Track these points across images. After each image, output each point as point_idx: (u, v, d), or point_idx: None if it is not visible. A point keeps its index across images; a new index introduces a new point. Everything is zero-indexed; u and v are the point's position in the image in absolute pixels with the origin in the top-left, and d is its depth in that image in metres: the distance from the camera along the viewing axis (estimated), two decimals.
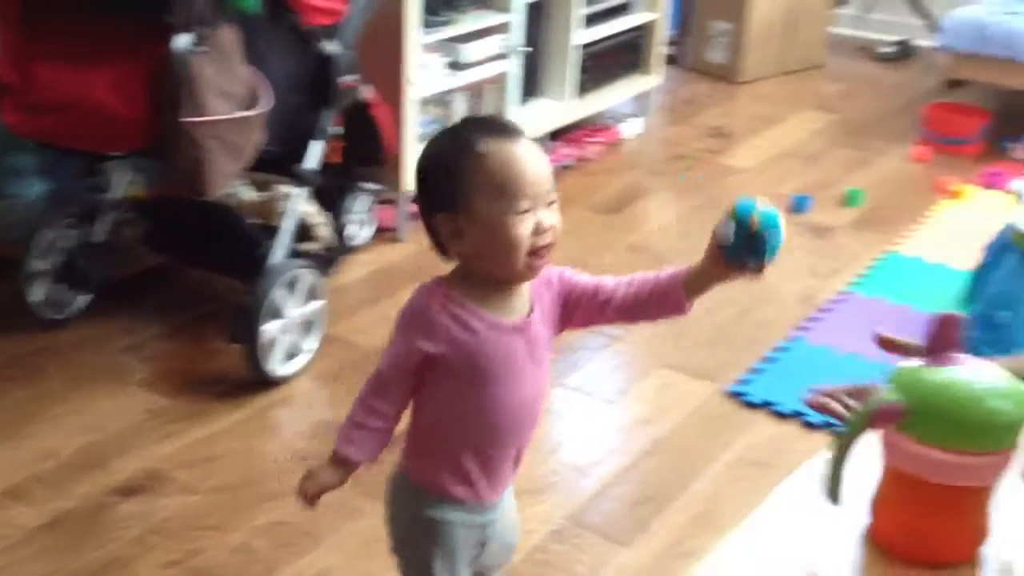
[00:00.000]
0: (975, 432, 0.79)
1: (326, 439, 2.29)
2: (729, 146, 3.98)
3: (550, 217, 1.22)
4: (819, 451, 2.23)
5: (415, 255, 3.13)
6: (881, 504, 0.85)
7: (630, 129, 4.04)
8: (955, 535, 0.83)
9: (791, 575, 0.87)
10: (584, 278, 1.33)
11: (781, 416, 2.40)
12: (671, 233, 3.33)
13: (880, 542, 0.84)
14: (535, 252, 1.21)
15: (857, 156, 3.85)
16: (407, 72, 3.01)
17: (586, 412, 2.44)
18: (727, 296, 2.93)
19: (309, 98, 2.64)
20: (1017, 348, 2.37)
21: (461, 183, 1.20)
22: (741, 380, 2.51)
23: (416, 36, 3.00)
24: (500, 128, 1.23)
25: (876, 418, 0.82)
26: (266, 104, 2.40)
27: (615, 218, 3.41)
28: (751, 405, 2.43)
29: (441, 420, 1.31)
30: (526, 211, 1.20)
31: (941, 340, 0.84)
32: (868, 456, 0.83)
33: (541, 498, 2.14)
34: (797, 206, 3.42)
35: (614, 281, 1.32)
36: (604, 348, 2.69)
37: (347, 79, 2.69)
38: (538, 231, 1.20)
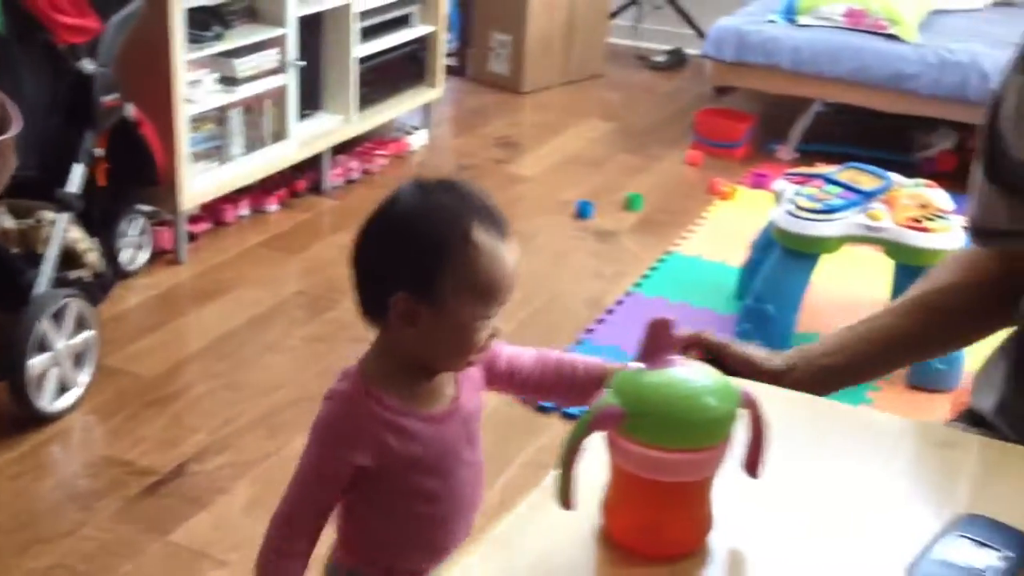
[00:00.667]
0: (689, 429, 0.83)
1: (104, 476, 2.19)
2: (515, 155, 4.05)
3: (499, 320, 1.13)
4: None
5: (197, 277, 3.04)
6: (611, 504, 0.88)
7: (416, 141, 4.05)
8: (683, 528, 0.87)
9: None
10: (504, 349, 1.22)
11: (572, 418, 2.44)
12: None
13: (614, 541, 0.87)
14: (479, 351, 1.12)
15: (636, 162, 4.00)
16: (178, 89, 2.91)
17: None
18: (516, 301, 2.98)
19: (69, 119, 2.52)
20: (784, 339, 2.52)
21: (442, 269, 1.06)
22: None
23: (184, 52, 2.90)
24: (497, 221, 1.10)
25: (596, 423, 0.84)
26: (17, 128, 2.26)
27: None
28: (542, 409, 2.47)
29: (381, 524, 1.17)
30: (493, 316, 1.11)
31: (655, 344, 0.87)
32: (598, 458, 0.86)
33: None
34: (581, 212, 3.51)
35: (532, 358, 1.23)
36: None
37: (109, 98, 2.58)
38: (491, 334, 1.12)
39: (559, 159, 4.01)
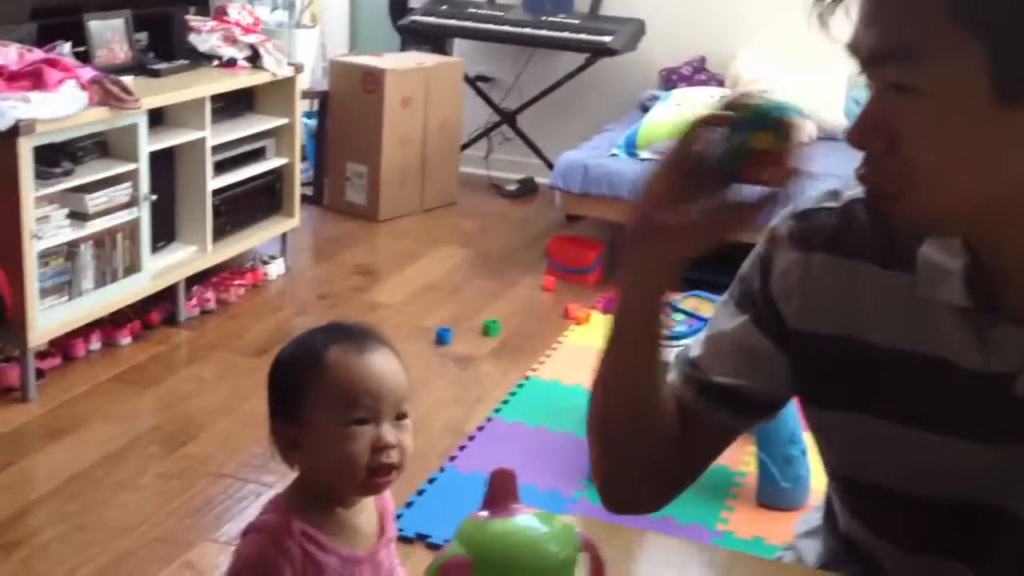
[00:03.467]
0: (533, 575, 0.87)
1: None
2: (374, 283, 4.10)
3: (393, 434, 1.11)
4: None
5: (46, 414, 2.95)
6: None
7: (274, 270, 4.06)
8: None
9: None
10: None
11: (435, 548, 2.45)
12: None
13: None
14: (374, 470, 1.10)
15: (493, 287, 4.10)
16: (26, 225, 2.87)
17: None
18: None
19: None
20: None
21: (299, 390, 1.11)
22: (397, 512, 2.54)
23: (32, 188, 2.87)
24: (356, 335, 1.14)
25: (444, 573, 0.87)
26: None
27: (263, 361, 3.38)
28: (406, 539, 2.47)
29: None
30: (362, 421, 1.10)
31: (499, 493, 0.92)
32: None
33: None
34: (440, 338, 3.57)
35: None
36: (258, 495, 2.64)
37: None
38: (377, 447, 1.09)
39: (417, 286, 4.09)
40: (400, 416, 1.13)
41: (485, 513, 0.90)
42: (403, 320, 3.77)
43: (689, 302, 2.86)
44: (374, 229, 4.69)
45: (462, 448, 2.90)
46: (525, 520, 0.89)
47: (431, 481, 2.72)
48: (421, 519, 2.53)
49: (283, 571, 1.09)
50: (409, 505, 2.60)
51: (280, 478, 2.72)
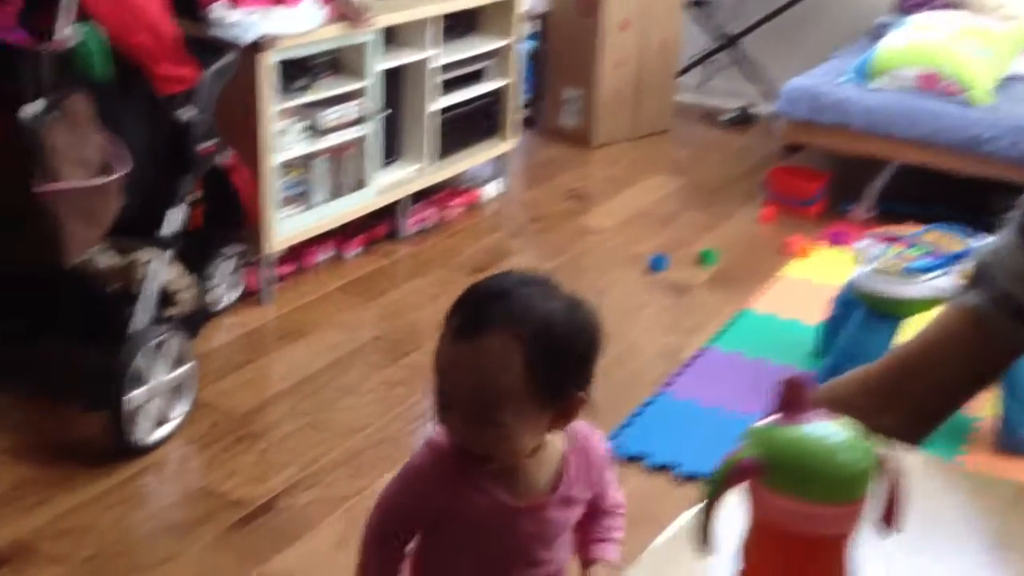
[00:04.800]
0: (828, 484, 0.85)
1: (198, 507, 2.25)
2: (586, 208, 4.11)
3: (464, 430, 1.08)
4: (690, 503, 2.32)
5: (281, 318, 3.11)
6: (749, 553, 0.90)
7: (490, 191, 4.13)
8: None
9: None
10: (608, 481, 1.22)
11: (651, 469, 2.47)
12: None
13: None
14: (473, 457, 1.10)
15: (707, 218, 4.04)
16: (267, 137, 3.01)
17: None
18: None
19: (168, 164, 2.62)
20: None
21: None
22: (610, 436, 2.58)
23: (274, 102, 3.01)
24: (462, 314, 1.09)
25: (736, 473, 0.87)
26: (124, 169, 2.37)
27: (478, 278, 3.46)
28: (622, 459, 2.49)
29: None
30: (450, 411, 1.08)
31: (791, 399, 0.90)
32: (737, 506, 0.89)
33: None
34: (655, 265, 3.55)
35: (609, 499, 1.23)
36: None
37: (205, 145, 2.67)
38: (465, 441, 1.09)
39: (630, 213, 4.07)
40: (483, 418, 1.06)
41: (776, 418, 0.89)
42: (615, 246, 3.77)
43: (930, 236, 2.72)
44: (587, 154, 4.69)
45: (677, 375, 2.89)
46: (821, 427, 0.88)
47: (646, 405, 2.73)
48: (635, 441, 2.55)
49: (434, 488, 1.13)
50: (624, 427, 2.62)
51: None
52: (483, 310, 1.07)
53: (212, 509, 2.24)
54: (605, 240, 3.82)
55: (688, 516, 1.04)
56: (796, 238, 3.75)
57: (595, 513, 1.23)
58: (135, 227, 2.54)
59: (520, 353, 1.04)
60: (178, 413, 2.49)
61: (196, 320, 2.76)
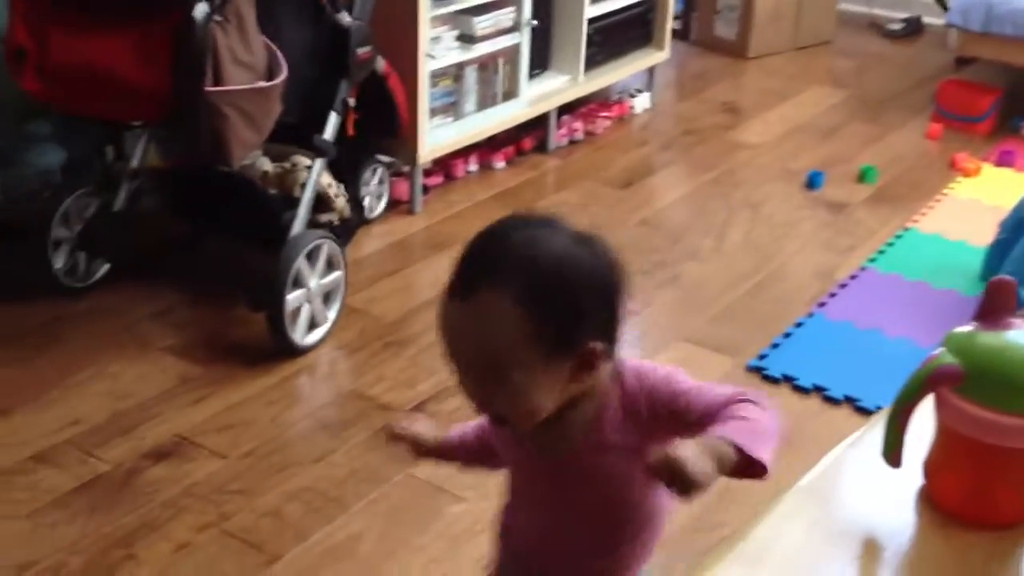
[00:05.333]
0: None
1: (348, 408, 2.31)
2: (740, 121, 3.98)
3: (478, 392, 1.01)
4: (840, 425, 2.25)
5: (428, 228, 3.14)
6: (937, 466, 0.86)
7: (639, 104, 4.04)
8: (1011, 497, 0.84)
9: (847, 538, 0.88)
10: (679, 390, 1.04)
11: (802, 391, 2.41)
12: (683, 209, 3.34)
13: (938, 504, 0.85)
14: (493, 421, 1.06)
15: (870, 132, 3.86)
16: (421, 45, 3.00)
17: None
18: (744, 270, 2.95)
19: (326, 69, 2.64)
20: None
21: None
22: (761, 355, 2.52)
23: (428, 8, 2.99)
24: (461, 271, 1.01)
25: (932, 380, 0.82)
26: (283, 75, 2.40)
27: (626, 193, 3.42)
28: (771, 380, 2.44)
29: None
30: (460, 374, 1.02)
31: (995, 304, 0.84)
32: (921, 418, 0.84)
33: None
34: (811, 182, 3.43)
35: (703, 404, 1.03)
36: None
37: (363, 51, 2.68)
38: (480, 405, 1.03)
39: (787, 127, 3.92)
40: (489, 379, 0.98)
41: (975, 325, 0.84)
42: (770, 161, 3.64)
43: None
44: (742, 66, 4.52)
45: (832, 295, 2.80)
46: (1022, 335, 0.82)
47: (798, 325, 2.65)
48: (787, 361, 2.49)
49: (486, 430, 1.16)
50: (775, 347, 2.56)
51: (643, 306, 2.77)
52: (473, 266, 0.99)
53: (363, 411, 2.30)
54: (759, 155, 3.70)
55: (850, 441, 1.01)
56: (964, 155, 3.55)
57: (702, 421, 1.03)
58: (291, 133, 2.58)
59: (516, 309, 0.95)
60: (329, 318, 2.55)
61: (348, 227, 2.81)
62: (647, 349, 2.59)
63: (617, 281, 1.01)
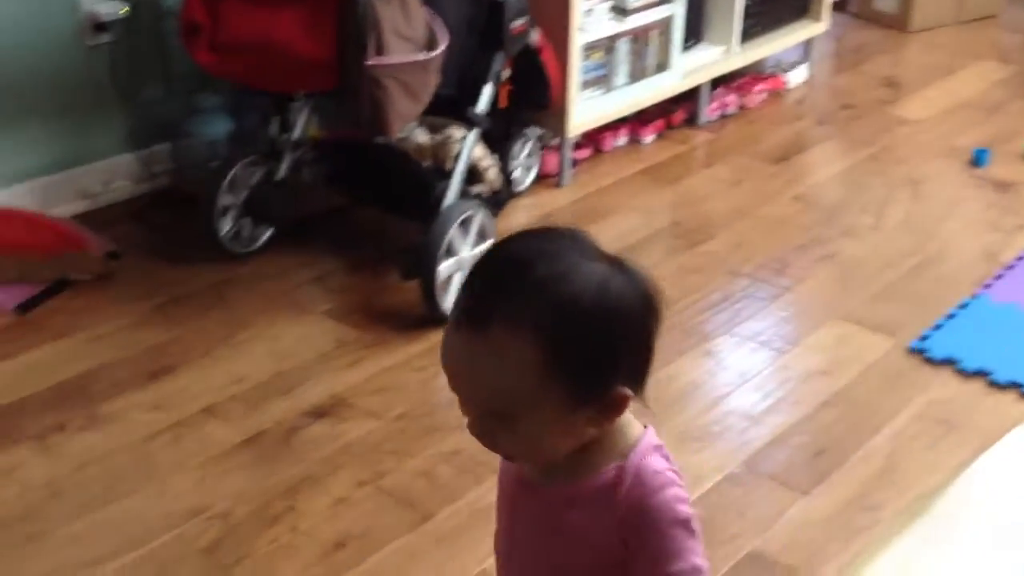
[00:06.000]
0: None
1: None
2: (901, 96, 3.84)
3: (479, 426, 0.92)
4: (1006, 411, 2.16)
5: (576, 202, 3.14)
6: None
7: (795, 77, 3.94)
8: None
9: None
10: (648, 550, 0.92)
11: (965, 374, 2.32)
12: (839, 185, 3.24)
13: None
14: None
15: None
16: (574, 17, 2.99)
17: (757, 361, 2.41)
18: (904, 249, 2.86)
19: (482, 42, 2.66)
20: None
21: None
22: (922, 336, 2.43)
23: None
24: (464, 300, 0.91)
25: None
26: (442, 47, 2.43)
27: (779, 168, 3.34)
28: (933, 361, 2.36)
29: None
30: (462, 403, 0.93)
31: None
32: None
33: (709, 444, 2.13)
34: (977, 159, 3.28)
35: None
36: (775, 298, 2.65)
37: (518, 23, 2.70)
38: (482, 439, 0.94)
39: (950, 103, 3.76)
40: (500, 420, 0.89)
41: None
42: (932, 138, 3.50)
43: None
44: (903, 39, 4.36)
45: (998, 276, 2.68)
46: None
47: (962, 307, 2.55)
48: (950, 343, 2.40)
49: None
50: (938, 328, 2.47)
51: (797, 282, 2.71)
52: (489, 292, 0.87)
53: None
54: (921, 131, 3.56)
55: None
56: None
57: None
58: (447, 105, 2.62)
59: (536, 350, 0.85)
60: None
61: (499, 199, 2.84)
62: (803, 327, 2.54)
63: (652, 317, 0.90)
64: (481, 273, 0.90)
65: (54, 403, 2.16)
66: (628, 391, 0.90)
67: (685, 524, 0.92)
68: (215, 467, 2.02)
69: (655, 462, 0.92)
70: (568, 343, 0.85)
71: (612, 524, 0.92)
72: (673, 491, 0.92)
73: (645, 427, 0.98)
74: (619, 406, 0.90)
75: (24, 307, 2.45)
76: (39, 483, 1.96)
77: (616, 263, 0.91)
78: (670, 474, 0.93)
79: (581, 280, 0.86)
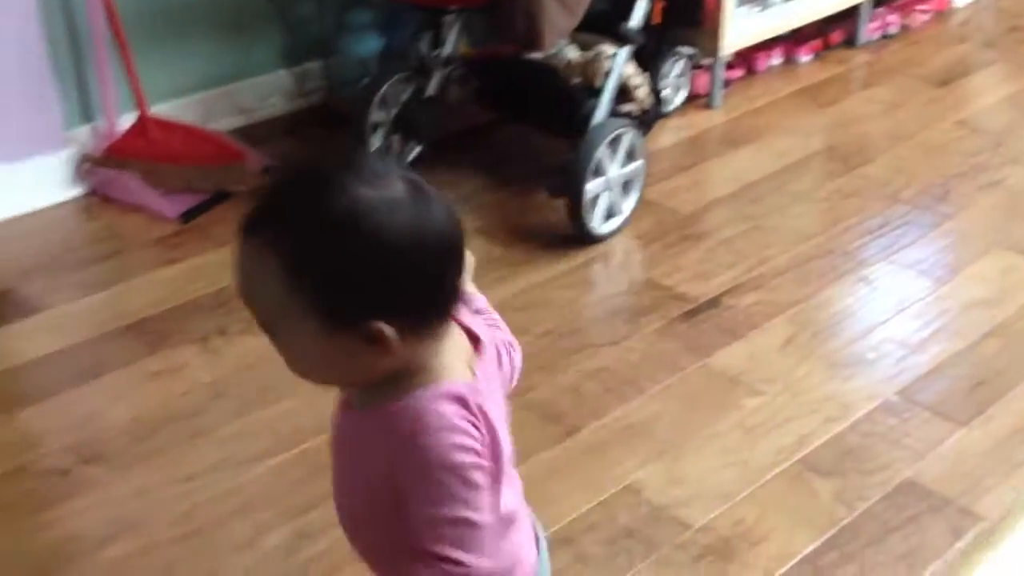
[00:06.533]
0: None
1: (646, 297, 2.33)
2: None
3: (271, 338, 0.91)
4: None
5: (727, 123, 3.07)
6: None
7: None
8: None
9: None
10: (413, 489, 0.89)
11: None
12: (1005, 111, 3.08)
13: None
14: None
15: None
16: None
17: (915, 289, 2.33)
18: None
19: None
20: None
21: None
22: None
23: None
24: (243, 216, 0.90)
25: None
26: None
27: (942, 92, 3.19)
28: None
29: None
30: None
31: None
32: None
33: (862, 372, 2.07)
34: None
35: (406, 533, 0.90)
36: (935, 226, 2.55)
37: None
38: None
39: None
40: (263, 324, 0.89)
41: None
42: None
43: None
44: None
45: None
46: None
47: None
48: None
49: None
50: None
51: (959, 210, 2.59)
52: (259, 206, 0.88)
53: (657, 300, 2.31)
54: None
55: None
56: None
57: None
58: (598, 21, 2.57)
59: (280, 270, 0.85)
60: (626, 208, 2.56)
61: (649, 118, 2.79)
62: (965, 256, 2.43)
63: (426, 254, 0.87)
64: (268, 185, 0.92)
65: (216, 307, 2.25)
66: (385, 327, 0.85)
67: (458, 472, 0.87)
68: None
69: (444, 407, 0.88)
70: (306, 260, 0.85)
71: (384, 460, 0.90)
72: (453, 438, 0.87)
73: (473, 375, 0.94)
74: (377, 341, 0.86)
75: (187, 215, 2.54)
76: (204, 382, 2.06)
77: (414, 196, 0.87)
78: (459, 421, 0.88)
79: (337, 203, 0.84)
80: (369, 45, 2.96)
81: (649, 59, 2.84)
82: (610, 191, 2.49)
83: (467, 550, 0.88)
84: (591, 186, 2.43)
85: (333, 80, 3.03)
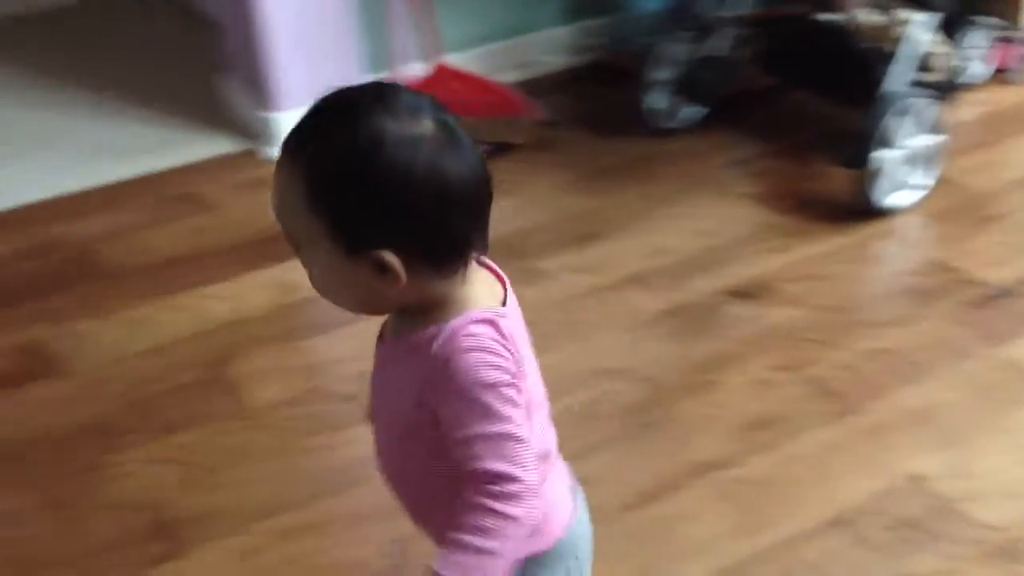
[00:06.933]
0: None
1: (933, 278, 2.19)
2: None
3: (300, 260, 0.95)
4: None
5: None
6: None
7: None
8: None
9: None
10: (456, 404, 0.90)
11: None
12: None
13: None
14: None
15: None
16: None
17: None
18: None
19: None
20: None
21: None
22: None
23: None
24: (304, 128, 0.92)
25: None
26: None
27: None
28: None
29: None
30: None
31: None
32: None
33: None
34: None
35: (456, 446, 0.91)
36: None
37: None
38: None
39: None
40: (289, 237, 0.93)
41: None
42: None
43: None
44: None
45: None
46: None
47: None
48: None
49: None
50: None
51: None
52: (298, 128, 0.91)
53: (946, 283, 2.17)
54: None
55: None
56: None
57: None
58: None
59: (300, 182, 0.88)
60: (918, 182, 2.41)
61: (947, 90, 2.62)
62: None
63: (441, 192, 0.87)
64: (306, 112, 0.93)
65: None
66: (392, 258, 0.88)
67: (494, 389, 0.89)
68: (639, 332, 2.06)
69: (476, 328, 0.90)
70: (324, 184, 0.87)
71: (419, 384, 0.92)
72: (486, 357, 0.89)
73: (503, 302, 0.96)
74: (384, 269, 0.89)
75: None
76: None
77: (442, 137, 0.89)
78: (490, 342, 0.90)
79: (360, 132, 0.86)
80: (653, 2, 2.93)
81: (950, 28, 2.66)
82: (900, 163, 2.36)
83: (515, 464, 0.88)
84: (877, 156, 2.31)
85: (614, 37, 3.02)
